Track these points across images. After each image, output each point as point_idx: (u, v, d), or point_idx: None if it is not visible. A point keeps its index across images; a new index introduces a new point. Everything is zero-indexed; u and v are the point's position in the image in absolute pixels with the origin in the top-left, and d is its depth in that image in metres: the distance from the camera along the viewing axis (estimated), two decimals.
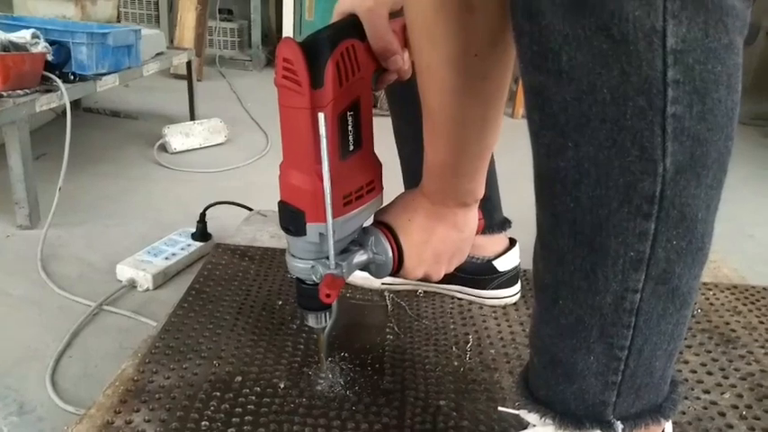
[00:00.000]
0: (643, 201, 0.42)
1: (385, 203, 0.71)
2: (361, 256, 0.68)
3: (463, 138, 0.60)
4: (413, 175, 0.93)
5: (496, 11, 0.51)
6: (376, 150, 0.68)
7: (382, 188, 0.69)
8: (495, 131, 0.62)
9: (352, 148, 0.63)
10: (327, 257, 0.64)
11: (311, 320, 0.72)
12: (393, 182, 0.76)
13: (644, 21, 0.37)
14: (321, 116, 0.57)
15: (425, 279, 0.72)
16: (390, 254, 0.68)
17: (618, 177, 0.42)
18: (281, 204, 0.65)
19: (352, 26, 0.61)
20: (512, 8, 0.43)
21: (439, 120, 0.59)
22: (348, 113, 0.61)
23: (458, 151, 0.62)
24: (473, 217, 0.71)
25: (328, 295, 0.64)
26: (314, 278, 0.67)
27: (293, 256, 0.67)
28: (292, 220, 0.64)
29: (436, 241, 0.69)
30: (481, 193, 0.68)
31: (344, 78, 0.59)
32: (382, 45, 0.62)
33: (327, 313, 0.72)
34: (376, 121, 0.66)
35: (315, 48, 0.57)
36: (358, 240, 0.69)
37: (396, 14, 0.62)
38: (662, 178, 0.41)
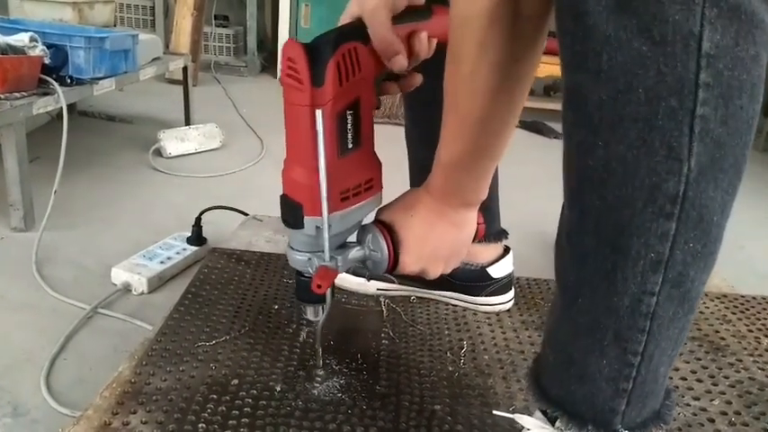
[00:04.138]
0: (667, 201, 0.43)
1: (385, 204, 0.72)
2: (357, 252, 0.70)
3: (484, 137, 0.62)
4: (422, 176, 0.95)
5: (541, 15, 0.53)
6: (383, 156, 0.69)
7: (381, 187, 0.71)
8: (512, 132, 0.64)
9: (351, 146, 0.65)
10: (323, 250, 0.66)
11: (309, 313, 0.74)
12: (394, 185, 0.77)
13: (683, 24, 0.39)
14: (319, 113, 0.59)
15: (421, 275, 0.73)
16: (386, 251, 0.69)
17: (644, 178, 0.43)
18: (283, 197, 0.67)
19: (356, 29, 0.63)
20: (557, 9, 0.45)
21: (466, 120, 0.61)
22: (348, 112, 0.63)
23: (475, 150, 0.63)
24: (472, 219, 0.72)
25: (319, 286, 0.66)
26: (310, 270, 0.69)
27: (292, 248, 0.70)
28: (291, 212, 0.66)
29: (436, 237, 0.70)
30: (484, 194, 0.70)
31: (345, 78, 0.61)
32: (384, 45, 0.63)
33: (324, 306, 0.74)
34: (383, 129, 0.67)
35: (317, 48, 0.60)
36: (357, 237, 0.71)
37: (398, 19, 0.63)
38: (686, 178, 0.43)
